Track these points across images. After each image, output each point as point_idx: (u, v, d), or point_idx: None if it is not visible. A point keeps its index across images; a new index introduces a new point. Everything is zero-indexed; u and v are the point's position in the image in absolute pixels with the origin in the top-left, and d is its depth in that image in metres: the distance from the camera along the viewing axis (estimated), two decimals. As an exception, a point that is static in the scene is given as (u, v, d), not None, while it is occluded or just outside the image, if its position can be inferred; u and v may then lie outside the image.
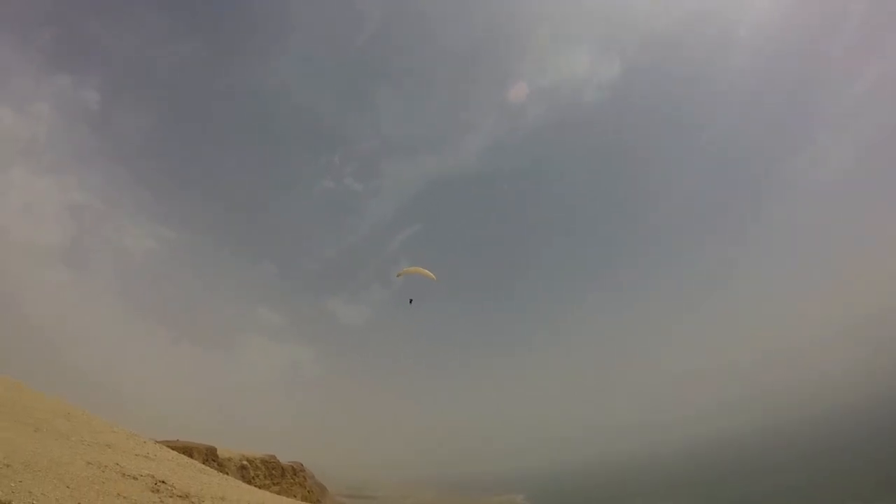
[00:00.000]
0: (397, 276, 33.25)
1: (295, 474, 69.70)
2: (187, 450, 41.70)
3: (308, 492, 71.36)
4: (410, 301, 33.80)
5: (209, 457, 49.08)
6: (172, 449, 25.31)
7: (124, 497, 11.83)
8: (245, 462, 57.43)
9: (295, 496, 61.95)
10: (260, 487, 46.12)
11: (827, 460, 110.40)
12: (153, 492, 13.46)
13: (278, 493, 53.56)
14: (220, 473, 26.43)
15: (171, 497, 13.42)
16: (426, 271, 32.47)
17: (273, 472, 63.27)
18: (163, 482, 14.66)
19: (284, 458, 69.82)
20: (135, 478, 14.25)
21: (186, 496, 14.01)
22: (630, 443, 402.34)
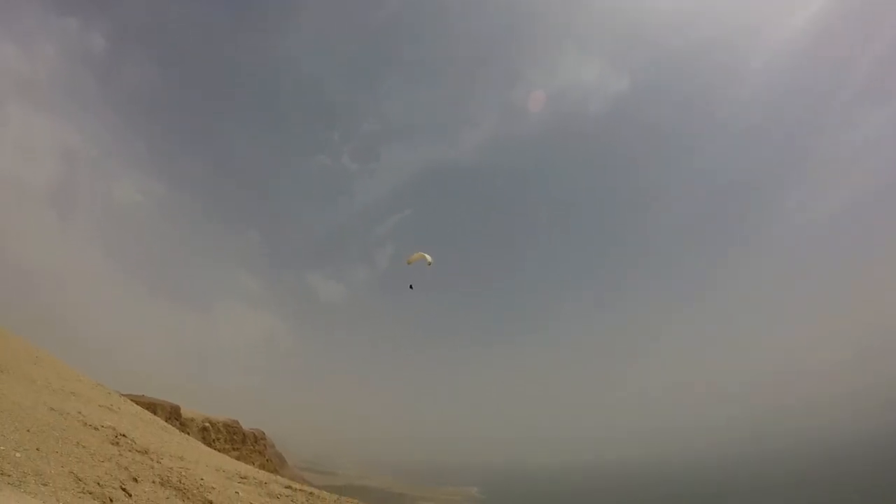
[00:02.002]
0: (407, 262, 33.49)
1: (256, 441, 70.08)
2: (151, 406, 41.79)
3: (267, 460, 71.80)
4: (411, 287, 34.27)
5: (172, 415, 49.20)
6: (137, 404, 25.44)
7: (83, 447, 12.03)
8: (207, 424, 57.64)
9: (253, 463, 62.21)
10: (220, 451, 46.24)
11: (825, 485, 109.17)
12: (112, 444, 13.64)
13: (237, 458, 53.77)
14: (182, 433, 26.62)
15: (130, 451, 13.62)
16: (426, 255, 32.86)
17: (234, 437, 63.58)
18: (123, 435, 14.83)
19: (247, 425, 70.15)
20: (96, 428, 14.43)
21: (145, 452, 14.21)
22: (607, 452, 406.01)
